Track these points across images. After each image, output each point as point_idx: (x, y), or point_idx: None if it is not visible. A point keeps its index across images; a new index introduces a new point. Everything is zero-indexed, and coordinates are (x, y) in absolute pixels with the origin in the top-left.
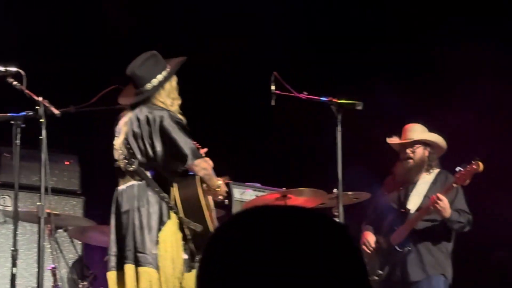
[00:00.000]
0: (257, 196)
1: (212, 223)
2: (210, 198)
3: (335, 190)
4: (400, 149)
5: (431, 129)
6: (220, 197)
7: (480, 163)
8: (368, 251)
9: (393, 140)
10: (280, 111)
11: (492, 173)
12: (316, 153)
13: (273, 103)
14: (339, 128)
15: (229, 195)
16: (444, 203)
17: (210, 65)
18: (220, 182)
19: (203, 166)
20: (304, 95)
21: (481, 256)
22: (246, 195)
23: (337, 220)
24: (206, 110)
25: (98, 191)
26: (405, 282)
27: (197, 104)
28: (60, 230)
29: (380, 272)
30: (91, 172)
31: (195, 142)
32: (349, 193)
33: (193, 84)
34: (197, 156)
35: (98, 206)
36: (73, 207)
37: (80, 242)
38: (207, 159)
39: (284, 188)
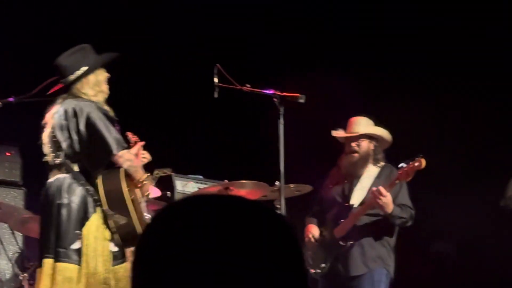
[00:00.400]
0: (199, 188)
1: (138, 216)
2: (137, 190)
3: (277, 183)
4: (345, 142)
5: (376, 123)
6: (147, 191)
7: (423, 160)
8: (312, 243)
9: (338, 133)
10: (223, 104)
11: (433, 167)
12: (259, 146)
13: (216, 95)
14: (281, 121)
15: (171, 187)
16: (386, 198)
17: (153, 57)
18: (146, 175)
19: (128, 157)
20: (247, 88)
21: (420, 248)
22: (188, 187)
23: (278, 211)
24: (150, 102)
25: (39, 182)
26: (347, 275)
27: (141, 97)
28: (0, 222)
29: (323, 265)
30: (32, 163)
31: (132, 135)
32: (291, 185)
33: (137, 77)
34: (121, 147)
35: (39, 197)
36: (14, 198)
37: (21, 234)
38: (138, 151)
39: (226, 181)
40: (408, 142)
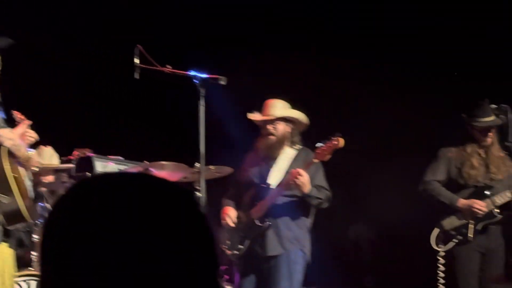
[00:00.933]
0: (119, 169)
1: (22, 193)
2: (21, 168)
3: (197, 165)
4: (261, 125)
5: (293, 105)
6: (33, 168)
7: (341, 139)
8: (229, 225)
9: (255, 116)
10: (144, 85)
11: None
12: (179, 127)
13: (136, 76)
14: (202, 103)
15: (91, 168)
16: (304, 178)
17: (72, 38)
18: (29, 153)
19: (9, 136)
20: (167, 69)
21: (339, 230)
22: (108, 168)
23: (189, 190)
24: (69, 83)
25: None
26: (264, 256)
27: (61, 78)
28: None
29: (240, 246)
30: None
31: (20, 114)
32: (211, 167)
33: (57, 58)
34: (1, 126)
35: None
36: None
37: None
38: (23, 130)
39: (146, 162)
40: (326, 123)
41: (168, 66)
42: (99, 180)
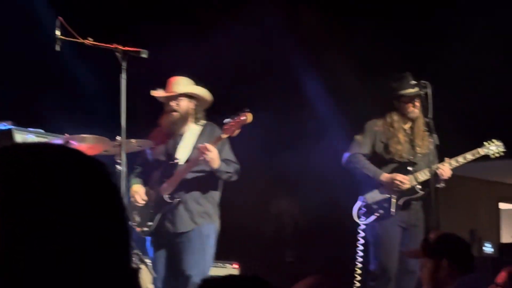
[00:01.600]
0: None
1: None
2: None
3: (118, 138)
4: (165, 101)
5: (197, 82)
6: None
7: (249, 114)
8: (139, 202)
9: (158, 92)
10: (65, 57)
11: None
12: (100, 100)
13: (57, 48)
14: (123, 76)
15: (11, 139)
16: (213, 153)
17: None
18: None
19: None
20: (89, 41)
21: (260, 208)
22: (28, 140)
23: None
24: None
25: None
26: (175, 232)
27: None
28: None
29: (150, 223)
30: None
31: None
32: (133, 140)
33: None
34: None
35: None
36: None
37: None
38: None
39: (66, 134)
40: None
41: (89, 38)
42: (17, 149)
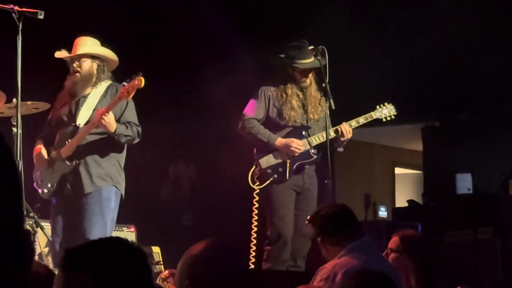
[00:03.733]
0: None
1: None
2: None
3: (14, 100)
4: (69, 62)
5: (104, 43)
6: None
7: (142, 78)
8: (39, 164)
9: (61, 53)
10: None
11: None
12: None
13: None
14: (19, 37)
15: None
16: (108, 118)
17: None
18: None
19: None
20: None
21: (160, 168)
22: None
23: None
24: None
25: None
26: (76, 194)
27: None
28: None
29: (50, 185)
30: None
31: None
32: (28, 103)
33: None
34: None
35: None
36: None
37: None
38: None
39: None
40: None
41: None
42: None
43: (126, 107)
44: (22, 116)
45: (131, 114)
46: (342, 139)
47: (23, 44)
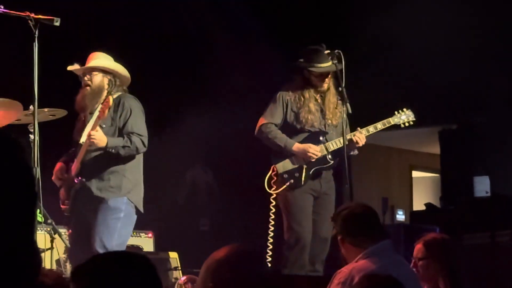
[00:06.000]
0: None
1: None
2: None
3: (31, 107)
4: (81, 76)
5: (117, 59)
6: None
7: (110, 97)
8: (59, 181)
9: (74, 67)
10: None
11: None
12: (13, 68)
13: None
14: (36, 44)
15: None
16: (97, 135)
17: None
18: None
19: None
20: (0, 9)
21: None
22: None
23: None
24: None
25: None
26: (86, 208)
27: None
28: None
29: (67, 202)
30: None
31: None
32: (45, 109)
33: None
34: None
35: None
36: None
37: None
38: None
39: None
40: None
41: (0, 6)
42: None
43: (129, 117)
44: (39, 123)
45: (134, 124)
46: (356, 145)
47: (40, 50)
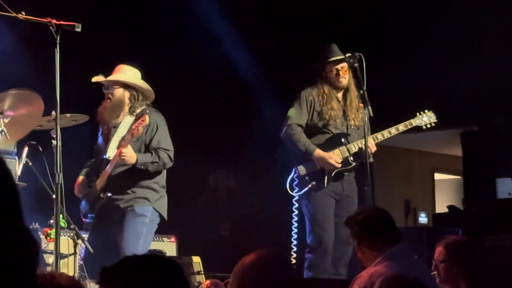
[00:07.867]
0: None
1: None
2: None
3: (53, 113)
4: (105, 88)
5: (144, 76)
6: None
7: (146, 116)
8: (78, 195)
9: (98, 78)
10: None
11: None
12: (35, 75)
13: None
14: (57, 50)
15: None
16: (127, 153)
17: None
18: None
19: None
20: (22, 16)
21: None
22: None
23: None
24: None
25: None
26: (112, 220)
27: None
28: None
29: (90, 215)
30: None
31: None
32: (68, 115)
33: None
34: None
35: None
36: None
37: None
38: None
39: None
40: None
41: (22, 12)
42: None
43: (156, 133)
44: (61, 129)
45: (161, 139)
46: (369, 152)
47: (61, 56)
